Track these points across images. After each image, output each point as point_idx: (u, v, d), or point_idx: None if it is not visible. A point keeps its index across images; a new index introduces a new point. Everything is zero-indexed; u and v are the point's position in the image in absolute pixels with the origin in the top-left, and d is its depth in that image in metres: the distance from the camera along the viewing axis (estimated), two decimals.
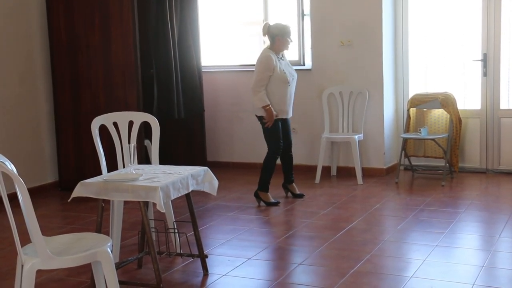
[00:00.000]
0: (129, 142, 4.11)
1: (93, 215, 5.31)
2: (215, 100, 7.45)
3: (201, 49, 6.86)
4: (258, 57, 5.61)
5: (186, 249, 4.23)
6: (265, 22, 5.72)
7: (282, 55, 5.64)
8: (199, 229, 3.97)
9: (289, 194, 5.96)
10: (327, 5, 6.78)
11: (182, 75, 6.59)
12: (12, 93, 6.18)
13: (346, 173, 6.84)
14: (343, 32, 6.73)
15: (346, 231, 4.78)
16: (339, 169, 6.92)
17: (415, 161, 6.85)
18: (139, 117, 4.26)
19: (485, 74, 6.58)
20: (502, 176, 6.52)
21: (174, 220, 4.23)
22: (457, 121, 6.44)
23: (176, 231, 4.08)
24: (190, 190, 3.67)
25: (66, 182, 6.44)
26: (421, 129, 6.40)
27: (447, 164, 6.41)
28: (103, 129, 4.14)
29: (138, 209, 5.27)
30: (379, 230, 4.88)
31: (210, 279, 3.87)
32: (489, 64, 6.55)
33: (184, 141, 7.15)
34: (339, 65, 6.81)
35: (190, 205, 3.85)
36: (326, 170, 6.81)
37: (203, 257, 3.95)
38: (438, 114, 6.60)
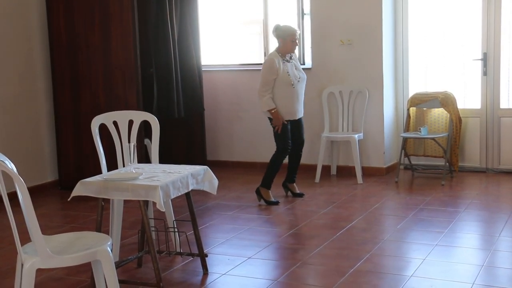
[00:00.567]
0: (129, 141, 4.11)
1: (93, 214, 5.32)
2: (215, 100, 7.45)
3: (201, 48, 6.86)
4: (264, 61, 5.65)
5: (186, 248, 4.23)
6: (275, 24, 5.73)
7: (290, 57, 5.63)
8: (199, 228, 3.97)
9: (289, 193, 5.96)
10: (327, 5, 6.77)
11: (182, 74, 6.59)
12: (12, 92, 6.18)
13: (346, 172, 6.84)
14: (343, 31, 6.73)
15: (346, 230, 4.78)
16: (339, 168, 6.92)
17: (415, 161, 6.85)
18: (139, 116, 4.26)
19: (485, 73, 6.58)
20: (502, 176, 6.53)
21: (174, 219, 4.23)
22: (457, 121, 6.44)
23: (176, 230, 4.09)
24: (190, 189, 3.68)
25: (66, 181, 6.44)
26: (421, 128, 6.40)
27: (447, 164, 6.41)
28: (103, 128, 4.15)
29: (138, 208, 5.26)
30: (379, 229, 4.88)
31: (210, 278, 3.87)
32: (489, 63, 6.55)
33: (184, 140, 7.16)
34: (339, 65, 6.81)
35: (190, 204, 3.85)
36: (326, 169, 6.81)
37: (203, 256, 3.95)
38: (438, 113, 6.60)
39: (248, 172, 7.12)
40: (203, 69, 6.99)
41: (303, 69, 6.91)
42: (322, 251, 4.31)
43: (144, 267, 4.08)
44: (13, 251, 3.42)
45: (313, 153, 6.91)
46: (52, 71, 6.46)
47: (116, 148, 4.16)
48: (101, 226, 3.55)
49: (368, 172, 6.76)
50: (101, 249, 2.99)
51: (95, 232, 3.31)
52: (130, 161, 3.69)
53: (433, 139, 6.42)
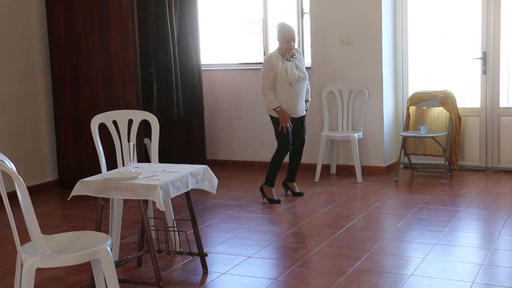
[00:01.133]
0: (128, 141, 4.11)
1: (93, 213, 5.32)
2: (214, 99, 7.45)
3: (200, 47, 6.86)
4: (264, 60, 5.69)
5: (186, 248, 4.23)
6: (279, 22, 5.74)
7: (291, 55, 5.63)
8: (198, 227, 3.97)
9: (289, 192, 5.96)
10: (327, 4, 6.77)
11: (181, 73, 6.59)
12: (11, 91, 6.18)
13: (346, 171, 6.84)
14: (342, 31, 6.73)
15: (345, 229, 4.78)
16: (339, 167, 6.92)
17: (414, 159, 6.85)
18: (139, 115, 4.26)
19: (484, 72, 6.58)
20: (501, 174, 6.53)
21: (173, 218, 4.24)
22: (456, 119, 6.44)
23: (175, 229, 4.09)
24: (189, 189, 3.68)
25: (66, 181, 6.44)
26: (421, 127, 6.40)
27: (447, 162, 6.41)
28: (102, 128, 4.14)
29: (137, 208, 5.26)
30: (378, 228, 4.88)
31: (210, 277, 3.88)
32: (489, 62, 6.55)
33: (183, 139, 7.16)
34: (338, 64, 6.81)
35: (189, 204, 3.85)
36: (325, 168, 6.81)
37: (202, 256, 3.96)
38: (438, 112, 6.60)
39: (247, 171, 7.13)
40: (202, 68, 6.98)
41: None
42: (322, 250, 4.31)
43: (144, 267, 4.08)
44: (13, 250, 3.42)
45: (313, 152, 6.90)
46: (51, 70, 6.46)
47: (116, 147, 4.16)
48: (101, 226, 3.55)
49: (368, 171, 6.76)
50: (100, 249, 2.99)
51: (95, 232, 3.31)
52: (130, 161, 3.69)
53: (432, 138, 6.42)
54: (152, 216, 4.19)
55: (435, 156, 6.70)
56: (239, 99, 7.34)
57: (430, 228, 4.76)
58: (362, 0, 6.62)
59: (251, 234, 4.77)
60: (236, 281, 3.80)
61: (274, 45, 6.60)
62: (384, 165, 6.80)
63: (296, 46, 5.75)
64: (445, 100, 6.38)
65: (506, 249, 4.23)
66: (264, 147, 6.89)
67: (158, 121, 4.21)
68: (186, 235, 4.14)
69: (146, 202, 3.71)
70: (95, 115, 4.18)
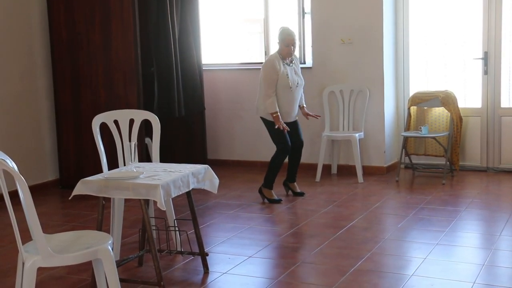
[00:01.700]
0: (129, 140, 4.11)
1: (94, 213, 5.32)
2: (215, 99, 7.45)
3: (201, 47, 6.86)
4: (263, 63, 5.67)
5: (187, 247, 4.23)
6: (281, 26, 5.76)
7: (290, 60, 5.64)
8: (199, 227, 3.97)
9: (290, 192, 5.96)
10: (328, 3, 6.77)
11: (182, 73, 6.59)
12: (12, 91, 6.18)
13: (347, 171, 6.84)
14: (343, 30, 6.73)
15: (346, 229, 4.78)
16: (340, 167, 6.92)
17: (415, 160, 6.85)
18: (140, 115, 4.26)
19: (485, 72, 6.58)
20: (502, 175, 6.52)
21: (174, 218, 4.23)
22: (457, 120, 6.44)
23: (176, 229, 4.09)
24: (190, 188, 3.68)
25: (67, 180, 6.44)
26: (422, 127, 6.40)
27: (448, 163, 6.41)
28: (103, 127, 4.14)
29: (138, 207, 5.27)
30: (379, 229, 4.88)
31: (211, 277, 3.88)
32: (490, 62, 6.55)
33: (184, 139, 7.16)
34: (339, 64, 6.81)
35: (190, 203, 3.85)
36: (326, 168, 6.81)
37: (203, 255, 3.96)
38: (439, 113, 6.60)
39: (248, 171, 7.13)
40: (203, 68, 6.99)
41: (304, 68, 6.95)
42: (323, 250, 4.31)
43: (145, 266, 4.09)
44: (14, 249, 3.42)
45: (314, 152, 6.91)
46: (53, 70, 6.46)
47: (117, 147, 4.16)
48: (102, 225, 3.55)
49: (369, 171, 6.76)
50: (102, 248, 2.99)
51: (96, 231, 3.31)
52: (131, 160, 3.69)
53: (433, 138, 6.42)
54: (153, 216, 4.19)
55: (436, 156, 6.70)
56: (240, 99, 7.34)
57: (431, 228, 4.75)
58: (363, 0, 6.61)
59: (252, 234, 4.78)
60: (237, 281, 3.81)
61: (274, 45, 6.61)
62: (385, 165, 6.80)
63: (296, 51, 5.74)
64: (446, 100, 6.38)
65: (507, 250, 4.23)
66: (265, 147, 6.88)
67: (159, 120, 4.21)
68: (187, 234, 4.14)
69: (147, 201, 3.71)
70: (96, 114, 4.18)
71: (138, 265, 4.09)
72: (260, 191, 5.76)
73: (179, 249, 4.18)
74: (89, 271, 3.78)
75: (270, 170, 5.70)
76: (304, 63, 7.07)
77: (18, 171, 2.72)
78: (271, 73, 5.52)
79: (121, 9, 6.03)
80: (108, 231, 4.20)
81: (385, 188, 6.16)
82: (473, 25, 6.63)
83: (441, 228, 4.71)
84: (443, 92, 6.47)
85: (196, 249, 4.04)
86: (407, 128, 6.67)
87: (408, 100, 6.65)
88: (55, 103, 6.48)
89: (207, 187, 3.83)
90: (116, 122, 4.18)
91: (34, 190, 6.08)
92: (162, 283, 3.49)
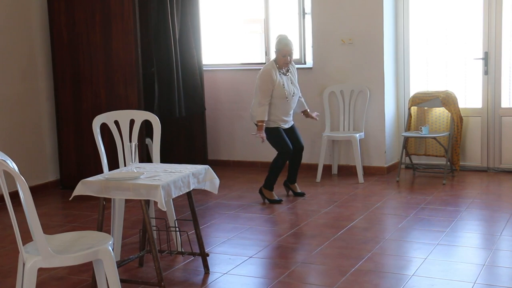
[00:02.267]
0: (130, 141, 4.11)
1: (94, 213, 5.32)
2: (216, 99, 7.46)
3: (202, 47, 6.86)
4: (260, 71, 5.65)
5: (187, 248, 4.23)
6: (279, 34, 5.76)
7: (286, 70, 5.64)
8: (200, 227, 3.97)
9: (290, 192, 5.97)
10: (328, 4, 6.77)
11: (183, 73, 6.59)
12: (13, 91, 6.18)
13: (347, 171, 6.84)
14: (344, 31, 6.73)
15: (347, 229, 4.78)
16: (340, 167, 6.92)
17: (416, 160, 6.85)
18: (141, 115, 4.27)
19: (486, 72, 6.58)
20: (503, 175, 6.52)
21: (175, 218, 4.24)
22: (458, 120, 6.44)
23: (177, 229, 4.09)
24: (191, 189, 3.68)
25: (67, 181, 6.44)
26: (422, 127, 6.40)
27: (448, 163, 6.41)
28: (104, 127, 4.15)
29: (139, 208, 5.28)
30: (380, 229, 4.88)
31: (211, 278, 3.88)
32: (490, 63, 6.55)
33: (185, 139, 7.16)
34: (340, 64, 6.81)
35: (191, 204, 3.85)
36: (327, 168, 6.81)
37: (204, 256, 3.96)
38: (439, 113, 6.60)
39: (249, 171, 7.13)
40: (204, 68, 6.99)
41: (304, 68, 6.97)
42: (323, 251, 4.31)
43: (146, 267, 4.09)
44: (15, 250, 3.43)
45: (314, 153, 6.91)
46: (53, 70, 6.46)
47: (118, 147, 4.16)
48: (103, 226, 3.56)
49: (369, 172, 6.76)
50: (102, 249, 2.99)
51: (97, 232, 3.31)
52: (132, 161, 3.69)
53: (434, 138, 6.42)
54: (154, 216, 4.19)
55: (436, 156, 6.70)
56: (240, 99, 7.34)
57: (432, 228, 4.76)
58: (363, 0, 6.62)
59: (252, 234, 4.78)
60: (237, 281, 3.81)
61: (274, 46, 6.60)
62: (386, 166, 6.80)
63: (296, 51, 5.76)
64: (447, 100, 6.38)
65: (507, 250, 4.23)
66: (266, 147, 6.86)
67: (160, 121, 4.21)
68: (187, 235, 4.14)
69: (147, 202, 3.71)
70: (96, 115, 4.19)
71: (138, 266, 4.10)
72: (261, 192, 5.76)
73: (179, 249, 4.18)
74: (90, 271, 3.78)
75: (271, 172, 5.71)
76: (305, 63, 7.07)
77: (18, 172, 2.72)
78: (267, 83, 5.52)
79: (121, 9, 6.03)
80: (108, 232, 4.20)
81: (386, 188, 6.16)
82: (474, 25, 6.62)
83: (441, 228, 4.71)
84: (443, 92, 6.47)
85: (196, 249, 4.04)
86: (408, 128, 6.67)
87: (409, 100, 6.65)
88: (56, 104, 6.49)
89: (207, 187, 3.83)
90: (116, 122, 4.18)
91: (35, 190, 6.09)
92: (162, 283, 3.49)
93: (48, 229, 4.79)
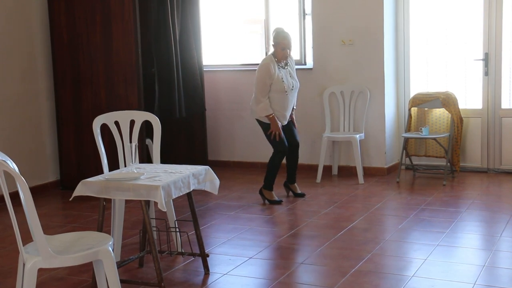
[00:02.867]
0: (130, 141, 4.12)
1: (95, 214, 5.32)
2: (216, 99, 7.46)
3: (202, 48, 6.86)
4: (259, 65, 5.63)
5: (187, 248, 4.23)
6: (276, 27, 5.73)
7: (285, 63, 5.62)
8: (200, 228, 3.97)
9: (290, 193, 5.96)
10: (328, 4, 6.78)
11: (183, 74, 6.59)
12: (13, 91, 6.18)
13: (347, 172, 6.84)
14: (344, 32, 6.73)
15: (347, 230, 4.78)
16: (340, 168, 6.92)
17: (416, 161, 6.85)
18: (141, 116, 4.27)
19: (486, 73, 6.58)
20: (503, 176, 6.52)
21: (175, 219, 4.24)
22: (458, 121, 6.44)
23: (177, 230, 4.09)
24: (191, 189, 3.68)
25: (68, 181, 6.44)
26: (423, 128, 6.40)
27: (448, 164, 6.41)
28: (104, 128, 4.15)
29: (139, 208, 5.28)
30: (380, 230, 4.88)
31: (211, 278, 3.88)
32: (491, 64, 6.55)
33: (185, 140, 7.16)
34: (340, 65, 6.81)
35: (191, 204, 3.85)
36: (327, 169, 6.81)
37: (204, 256, 3.96)
38: (440, 114, 6.60)
39: (249, 172, 7.13)
40: (204, 69, 6.98)
41: (304, 69, 6.97)
42: (323, 251, 4.31)
43: (146, 267, 4.09)
44: (15, 250, 3.43)
45: (314, 153, 6.91)
46: (53, 70, 6.46)
47: (118, 148, 4.16)
48: (103, 226, 3.56)
49: (370, 172, 6.76)
50: (102, 249, 2.99)
51: (97, 232, 3.31)
52: (132, 161, 3.69)
53: (434, 139, 6.42)
54: (154, 217, 4.19)
55: (436, 157, 6.70)
56: (240, 100, 7.34)
57: (432, 229, 4.75)
58: (364, 1, 6.62)
59: (252, 235, 4.78)
60: (237, 282, 3.81)
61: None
62: (386, 166, 6.80)
63: (296, 52, 5.72)
64: (447, 101, 6.38)
65: (507, 251, 4.23)
66: (266, 148, 6.86)
67: (160, 121, 4.21)
68: (187, 235, 4.14)
69: (147, 202, 3.71)
70: (96, 115, 4.18)
71: (138, 266, 4.10)
72: (261, 192, 5.76)
73: (179, 250, 4.18)
74: (90, 272, 3.78)
75: (269, 171, 5.70)
76: (305, 64, 7.08)
77: (18, 172, 2.72)
78: (264, 78, 5.49)
79: (121, 9, 6.03)
80: (108, 232, 4.20)
81: (386, 189, 6.16)
82: (474, 26, 6.63)
83: (441, 229, 4.71)
84: (443, 93, 6.47)
85: (196, 250, 4.04)
86: (408, 129, 6.67)
87: (409, 101, 6.65)
88: (56, 104, 6.49)
89: (207, 188, 3.83)
90: (116, 123, 4.18)
91: (35, 191, 6.09)
92: (162, 284, 3.49)
93: (48, 229, 4.79)
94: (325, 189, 6.24)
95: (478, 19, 6.57)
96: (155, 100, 6.32)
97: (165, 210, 3.43)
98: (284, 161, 5.79)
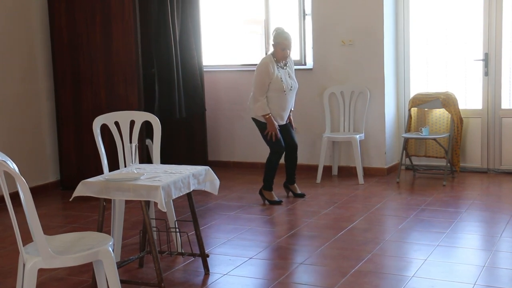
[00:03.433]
0: (130, 142, 4.12)
1: (95, 214, 5.32)
2: (216, 100, 7.46)
3: (202, 48, 6.86)
4: (258, 64, 5.63)
5: (187, 249, 4.23)
6: (276, 27, 5.73)
7: (284, 64, 5.62)
8: (200, 228, 3.97)
9: (290, 193, 5.96)
10: (328, 5, 6.78)
11: (183, 74, 6.59)
12: (13, 91, 6.18)
13: (347, 172, 6.84)
14: (344, 32, 6.73)
15: (347, 230, 4.78)
16: (340, 168, 6.92)
17: (416, 161, 6.85)
18: (141, 116, 4.27)
19: (486, 73, 6.58)
20: (503, 176, 6.52)
21: (175, 219, 4.24)
22: (458, 121, 6.44)
23: (177, 230, 4.09)
24: (191, 190, 3.68)
25: (68, 181, 6.44)
26: (423, 128, 6.40)
27: (448, 164, 6.41)
28: (104, 128, 4.15)
29: (139, 208, 5.28)
30: (380, 230, 4.88)
31: (211, 279, 3.88)
32: (491, 64, 6.55)
33: (185, 140, 7.16)
34: (340, 65, 6.81)
35: (191, 205, 3.85)
36: (327, 169, 6.81)
37: (204, 257, 3.96)
38: (440, 114, 6.60)
39: (249, 172, 7.13)
40: (204, 69, 6.99)
41: (304, 69, 6.97)
42: (323, 252, 4.31)
43: (146, 267, 4.09)
44: (15, 251, 3.43)
45: (314, 154, 6.91)
46: (53, 71, 6.46)
47: (118, 148, 4.16)
48: (103, 226, 3.56)
49: (370, 173, 6.76)
50: (102, 249, 2.99)
51: (97, 232, 3.31)
52: (132, 161, 3.69)
53: (434, 139, 6.42)
54: (154, 217, 4.20)
55: (436, 157, 6.70)
56: (240, 100, 7.33)
57: (432, 229, 4.76)
58: (364, 1, 6.62)
59: (252, 235, 4.78)
60: (237, 282, 3.81)
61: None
62: (386, 167, 6.80)
63: (296, 52, 5.71)
64: (447, 101, 6.38)
65: (507, 251, 4.23)
66: (266, 148, 6.86)
67: (160, 122, 4.21)
68: (187, 236, 4.14)
69: (147, 203, 3.72)
70: (96, 115, 4.18)
71: (138, 267, 4.10)
72: (261, 193, 5.76)
73: (179, 250, 4.18)
74: (90, 272, 3.78)
75: (267, 172, 5.69)
76: (305, 64, 7.08)
77: (19, 172, 2.72)
78: (263, 77, 5.49)
79: (122, 10, 6.03)
80: (108, 233, 4.20)
81: (386, 189, 6.16)
82: (474, 27, 6.63)
83: (441, 230, 4.71)
84: (443, 93, 6.47)
85: (196, 250, 4.04)
86: (408, 130, 6.67)
87: (409, 102, 6.65)
88: (56, 104, 6.49)
89: (207, 188, 3.83)
90: (117, 123, 4.18)
91: (35, 191, 6.08)
92: (162, 284, 3.49)
93: (48, 229, 4.79)
94: (325, 189, 6.24)
95: (478, 19, 6.58)
96: (155, 100, 6.32)
97: (165, 210, 3.43)
98: (283, 161, 5.79)
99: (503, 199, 5.72)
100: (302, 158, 6.85)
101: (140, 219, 4.91)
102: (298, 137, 6.00)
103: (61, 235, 3.23)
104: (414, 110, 6.67)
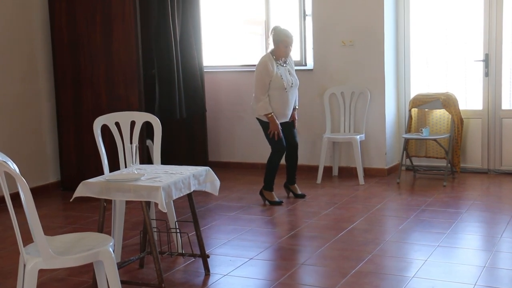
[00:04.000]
0: (131, 142, 4.12)
1: (95, 215, 5.32)
2: (216, 100, 7.46)
3: (202, 48, 6.86)
4: (257, 64, 5.63)
5: (188, 249, 4.23)
6: (274, 25, 5.73)
7: (284, 61, 5.62)
8: (200, 229, 3.97)
9: (291, 194, 5.96)
10: (329, 5, 6.78)
11: (184, 75, 6.59)
12: (14, 92, 6.19)
13: (348, 173, 6.84)
14: (344, 32, 6.73)
15: (347, 231, 4.78)
16: (341, 169, 6.92)
17: (416, 162, 6.85)
18: (141, 117, 4.27)
19: (486, 74, 6.58)
20: (503, 177, 6.52)
21: (176, 220, 4.24)
22: (458, 122, 6.44)
23: (178, 231, 4.09)
24: (192, 190, 3.68)
25: (68, 182, 6.44)
26: (423, 129, 6.40)
27: (449, 165, 6.41)
28: (105, 129, 4.15)
29: (140, 209, 5.28)
30: (380, 230, 4.88)
31: (212, 279, 3.88)
32: (491, 65, 6.55)
33: (185, 141, 7.16)
34: (340, 65, 6.81)
35: (192, 205, 3.85)
36: (327, 170, 6.81)
37: (204, 257, 3.96)
38: (440, 114, 6.60)
39: (249, 173, 7.13)
40: (205, 70, 6.99)
41: (305, 70, 6.97)
42: (324, 252, 4.31)
43: (146, 268, 4.09)
44: (16, 251, 3.43)
45: (315, 154, 6.91)
46: (54, 71, 6.46)
47: (118, 148, 4.16)
48: (103, 227, 3.56)
49: (370, 173, 6.76)
50: (103, 250, 3.00)
51: (97, 233, 3.32)
52: (132, 162, 3.69)
53: (434, 140, 6.42)
54: (154, 218, 4.20)
55: (437, 158, 6.70)
56: (241, 101, 7.34)
57: (432, 230, 4.76)
58: (364, 2, 6.62)
59: (253, 235, 4.78)
60: (238, 283, 3.81)
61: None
62: (386, 167, 6.80)
63: (296, 53, 5.71)
64: (447, 102, 6.39)
65: (508, 251, 4.23)
66: (266, 148, 6.85)
67: (160, 122, 4.21)
68: (188, 236, 4.15)
69: (148, 203, 3.72)
70: (97, 116, 4.19)
71: (139, 267, 4.10)
72: (261, 193, 5.76)
73: (180, 251, 4.18)
74: (90, 273, 3.78)
75: (268, 171, 5.70)
76: (305, 65, 7.08)
77: (19, 173, 2.72)
78: (263, 76, 5.49)
79: (122, 10, 6.04)
80: (109, 233, 4.21)
81: (386, 190, 6.16)
82: (474, 27, 6.63)
83: (442, 230, 4.71)
84: (444, 94, 6.47)
85: (197, 251, 4.04)
86: (408, 130, 6.67)
87: (409, 102, 6.65)
88: (56, 105, 6.49)
89: (208, 189, 3.83)
90: (117, 124, 4.19)
91: (36, 192, 6.08)
92: (163, 285, 3.49)
93: (49, 230, 4.78)
94: (325, 190, 6.24)
95: (478, 20, 6.58)
96: (156, 101, 6.32)
97: (165, 211, 3.43)
98: (283, 162, 5.79)
99: (504, 199, 5.72)
100: (303, 158, 6.85)
101: (141, 220, 4.91)
102: (298, 137, 6.00)
103: (62, 236, 3.23)
104: (414, 111, 6.67)
